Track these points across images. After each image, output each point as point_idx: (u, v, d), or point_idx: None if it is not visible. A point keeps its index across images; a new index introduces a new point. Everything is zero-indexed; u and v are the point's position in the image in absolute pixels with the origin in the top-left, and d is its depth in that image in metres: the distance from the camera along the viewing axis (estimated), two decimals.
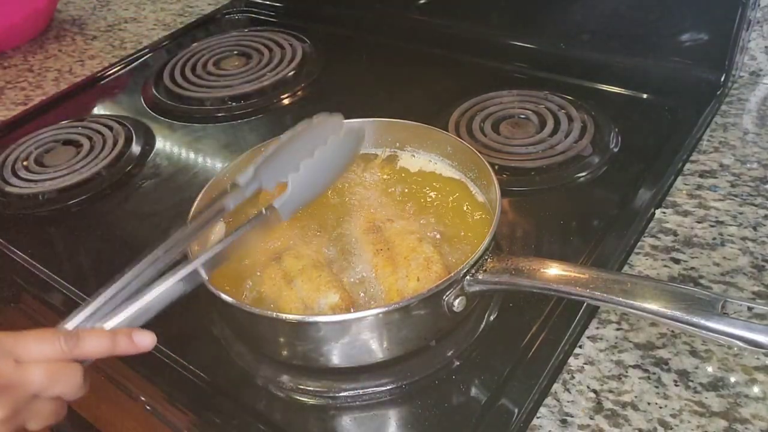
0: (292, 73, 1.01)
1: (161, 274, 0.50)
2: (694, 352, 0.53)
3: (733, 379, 0.51)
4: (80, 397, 0.46)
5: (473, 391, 0.53)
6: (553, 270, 0.51)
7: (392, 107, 0.78)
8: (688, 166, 0.72)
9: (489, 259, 0.54)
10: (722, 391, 0.50)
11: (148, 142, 0.90)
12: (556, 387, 0.52)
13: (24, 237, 0.76)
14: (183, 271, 0.49)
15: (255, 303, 0.57)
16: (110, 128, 0.92)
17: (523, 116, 0.83)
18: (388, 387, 0.54)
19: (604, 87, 0.88)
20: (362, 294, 0.57)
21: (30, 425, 0.45)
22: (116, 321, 0.47)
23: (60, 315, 0.66)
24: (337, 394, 0.54)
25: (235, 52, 1.09)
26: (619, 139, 0.77)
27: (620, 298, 0.47)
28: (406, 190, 0.68)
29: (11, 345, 0.44)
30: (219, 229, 0.66)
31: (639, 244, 0.63)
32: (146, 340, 0.48)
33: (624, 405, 0.50)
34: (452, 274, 0.52)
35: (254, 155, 0.70)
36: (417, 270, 0.56)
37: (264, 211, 0.54)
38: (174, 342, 0.59)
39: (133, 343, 0.47)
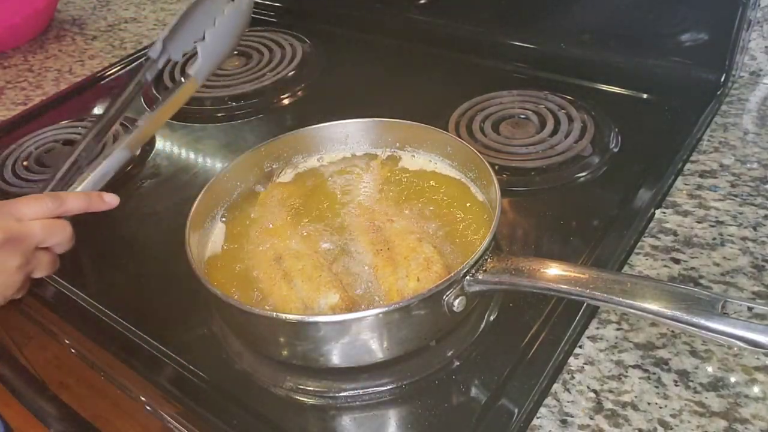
0: (292, 73, 1.01)
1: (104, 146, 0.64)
2: (694, 352, 0.53)
3: (733, 379, 0.51)
4: (80, 397, 0.46)
5: (473, 391, 0.53)
6: (553, 270, 0.51)
7: (392, 107, 0.77)
8: (688, 166, 0.72)
9: (489, 259, 0.54)
10: (722, 391, 0.50)
11: (148, 142, 0.90)
12: (556, 387, 0.52)
13: None
14: (127, 139, 0.62)
15: (255, 303, 0.57)
16: None
17: (523, 116, 0.83)
18: (388, 387, 0.54)
19: (604, 87, 0.88)
20: (362, 294, 0.57)
21: (36, 273, 0.56)
22: (83, 186, 0.59)
23: (60, 314, 0.66)
24: (337, 394, 0.54)
25: (236, 52, 1.08)
26: (619, 139, 0.77)
27: (620, 298, 0.47)
28: (407, 190, 0.68)
29: (9, 208, 0.53)
30: (219, 229, 0.66)
31: (639, 244, 0.63)
32: (113, 199, 0.60)
33: (624, 405, 0.50)
34: (452, 274, 0.52)
35: (255, 155, 0.70)
36: (417, 270, 0.56)
37: (182, 80, 0.64)
38: (174, 342, 0.60)
39: (103, 201, 0.59)
